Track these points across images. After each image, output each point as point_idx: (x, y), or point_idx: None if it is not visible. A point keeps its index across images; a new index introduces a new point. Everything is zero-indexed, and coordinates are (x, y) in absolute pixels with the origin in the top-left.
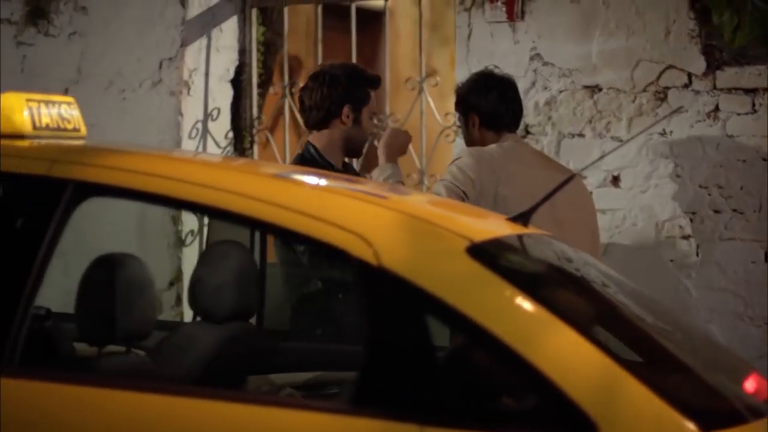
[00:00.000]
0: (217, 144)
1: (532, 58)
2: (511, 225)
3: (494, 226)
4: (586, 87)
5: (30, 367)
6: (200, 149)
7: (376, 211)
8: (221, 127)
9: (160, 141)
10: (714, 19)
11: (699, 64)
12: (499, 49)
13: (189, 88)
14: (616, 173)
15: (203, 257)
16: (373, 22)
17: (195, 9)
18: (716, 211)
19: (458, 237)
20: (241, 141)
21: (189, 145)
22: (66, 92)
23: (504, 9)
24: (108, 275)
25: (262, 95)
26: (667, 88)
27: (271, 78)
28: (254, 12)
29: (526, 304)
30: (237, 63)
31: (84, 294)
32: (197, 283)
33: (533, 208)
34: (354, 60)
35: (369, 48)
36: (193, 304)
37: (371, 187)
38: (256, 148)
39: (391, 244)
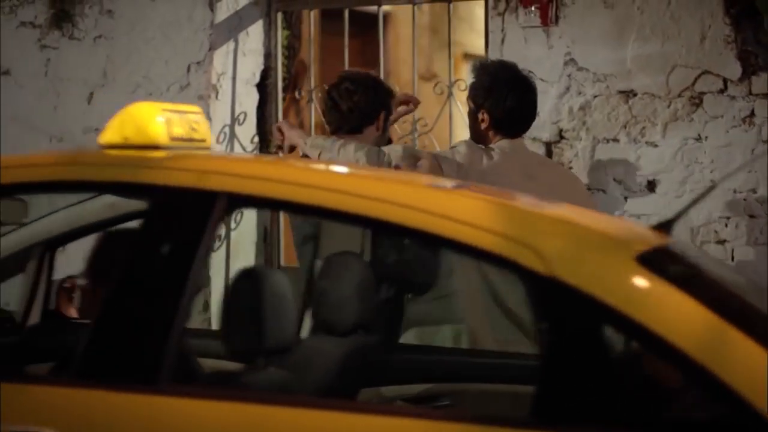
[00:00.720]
0: (243, 148)
1: (566, 63)
2: (657, 233)
3: (647, 234)
4: (620, 92)
5: (183, 384)
6: None
7: (539, 219)
8: (247, 131)
9: None
10: (765, 24)
11: (734, 70)
12: (533, 54)
13: (217, 92)
14: (651, 178)
15: (325, 269)
16: (375, 26)
17: (223, 12)
18: (751, 216)
19: (624, 245)
20: (266, 145)
21: (217, 149)
22: (91, 96)
23: (538, 14)
24: (254, 289)
25: (284, 99)
26: (703, 93)
27: (291, 82)
28: (279, 16)
29: (701, 313)
30: (262, 67)
31: (231, 309)
32: (321, 295)
33: (675, 218)
34: (382, 65)
35: (372, 51)
36: (316, 316)
37: (517, 193)
38: (281, 152)
39: (559, 253)
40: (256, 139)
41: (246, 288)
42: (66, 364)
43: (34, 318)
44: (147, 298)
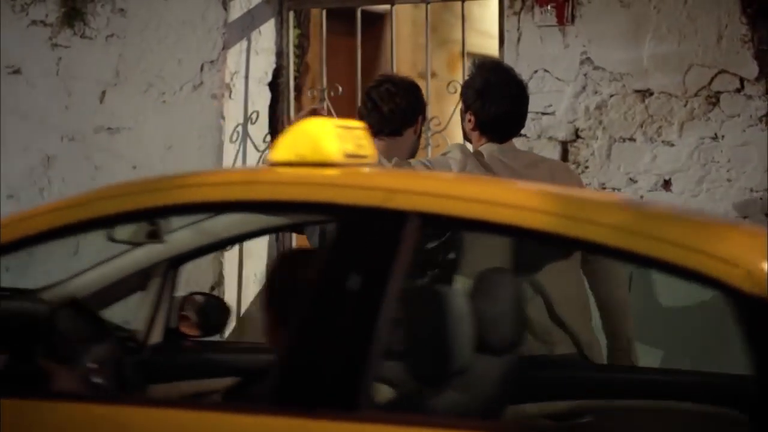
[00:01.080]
0: (256, 148)
1: (582, 62)
2: None
3: None
4: (637, 91)
5: (383, 411)
6: (240, 153)
7: (735, 235)
8: (260, 130)
9: (200, 145)
10: None
11: (751, 69)
12: (549, 54)
13: (230, 92)
14: (667, 177)
15: (478, 287)
16: (374, 24)
17: (236, 11)
18: None
19: None
20: None
21: (230, 149)
22: (103, 95)
23: (554, 13)
24: (439, 311)
25: (295, 98)
26: (719, 92)
27: (299, 81)
28: (291, 14)
29: None
30: (274, 65)
31: (416, 331)
32: (477, 314)
33: None
34: (394, 64)
35: (371, 50)
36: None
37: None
38: None
39: (762, 270)
40: (269, 138)
41: (431, 309)
42: (245, 389)
43: (156, 337)
44: (338, 323)
